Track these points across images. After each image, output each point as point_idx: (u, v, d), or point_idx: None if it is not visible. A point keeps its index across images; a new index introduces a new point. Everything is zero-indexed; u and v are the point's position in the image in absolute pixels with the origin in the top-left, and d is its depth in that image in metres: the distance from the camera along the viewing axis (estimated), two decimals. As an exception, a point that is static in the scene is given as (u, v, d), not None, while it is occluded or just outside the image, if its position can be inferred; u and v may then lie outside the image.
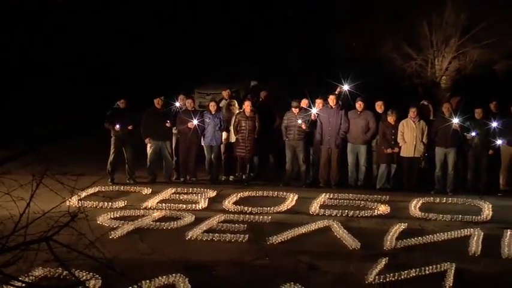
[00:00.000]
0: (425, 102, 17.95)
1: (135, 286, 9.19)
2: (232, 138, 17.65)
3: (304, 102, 17.28)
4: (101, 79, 26.81)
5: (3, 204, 5.99)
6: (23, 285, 5.71)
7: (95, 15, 34.04)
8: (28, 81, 25.99)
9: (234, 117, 17.55)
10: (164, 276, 10.43)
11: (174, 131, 17.39)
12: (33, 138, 17.95)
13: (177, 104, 17.54)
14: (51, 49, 28.93)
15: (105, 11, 33.30)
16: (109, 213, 14.40)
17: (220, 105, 18.01)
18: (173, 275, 10.53)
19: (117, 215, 14.35)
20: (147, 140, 17.33)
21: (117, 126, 16.70)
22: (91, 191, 15.74)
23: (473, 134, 16.40)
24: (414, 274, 10.99)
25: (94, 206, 14.95)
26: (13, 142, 15.57)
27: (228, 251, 12.34)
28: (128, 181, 17.24)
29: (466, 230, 13.59)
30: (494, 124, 16.99)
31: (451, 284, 10.64)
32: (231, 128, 17.95)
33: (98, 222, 13.59)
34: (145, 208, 15.07)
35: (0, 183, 6.06)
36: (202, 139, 17.29)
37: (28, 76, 26.28)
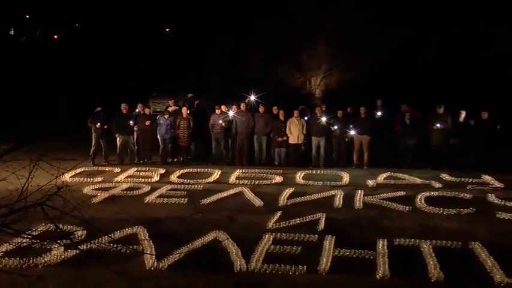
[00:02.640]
0: (304, 107, 17.78)
1: (109, 235, 10.00)
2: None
3: (224, 108, 18.02)
4: (82, 91, 26.32)
5: (12, 180, 5.90)
6: (28, 237, 5.66)
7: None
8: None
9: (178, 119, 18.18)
10: (129, 228, 11.07)
11: (136, 128, 18.11)
12: (32, 135, 17.70)
13: (137, 109, 18.53)
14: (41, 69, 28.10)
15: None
16: (91, 185, 15.18)
17: (170, 109, 18.87)
18: (136, 227, 11.15)
19: (97, 187, 15.06)
20: (117, 135, 18.15)
21: (98, 125, 17.67)
22: (78, 170, 16.57)
23: (336, 127, 17.83)
24: (299, 221, 11.86)
25: (80, 181, 15.72)
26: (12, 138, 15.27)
27: (173, 210, 13.07)
28: (104, 163, 17.92)
29: (332, 191, 14.57)
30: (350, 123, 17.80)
31: (322, 227, 11.46)
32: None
33: (83, 192, 14.38)
34: (116, 182, 15.70)
35: (9, 165, 5.96)
36: (158, 133, 18.15)
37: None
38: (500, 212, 12.58)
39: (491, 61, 24.85)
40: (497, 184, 15.30)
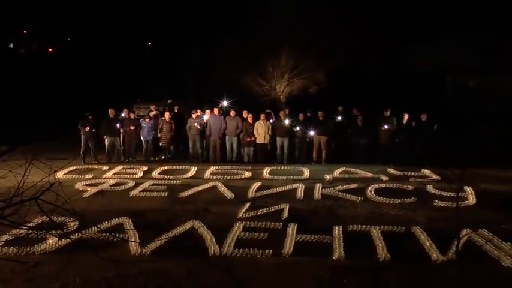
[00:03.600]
0: (270, 111, 18.07)
1: (98, 226, 10.03)
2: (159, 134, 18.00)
3: (199, 112, 18.07)
4: (73, 98, 26.07)
5: (9, 178, 5.78)
6: (25, 228, 5.58)
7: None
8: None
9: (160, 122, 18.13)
10: (116, 219, 10.95)
11: (122, 130, 17.99)
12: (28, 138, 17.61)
13: (123, 114, 18.32)
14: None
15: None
16: (82, 181, 14.97)
17: (151, 114, 18.64)
18: (122, 217, 11.03)
19: (87, 183, 14.80)
20: (105, 137, 18.02)
21: (87, 128, 17.41)
22: (71, 168, 16.49)
23: (297, 129, 17.80)
24: (266, 211, 11.84)
25: (73, 177, 15.52)
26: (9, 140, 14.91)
27: (155, 202, 12.94)
28: (93, 162, 17.67)
29: (294, 184, 14.56)
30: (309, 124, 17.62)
31: (286, 216, 11.46)
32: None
33: (75, 187, 14.19)
34: (104, 178, 15.48)
35: (7, 164, 5.86)
36: (141, 135, 17.97)
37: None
38: (437, 201, 12.74)
39: (429, 72, 25.48)
40: (435, 177, 15.45)
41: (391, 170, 16.37)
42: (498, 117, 20.83)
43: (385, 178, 15.37)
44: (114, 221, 10.72)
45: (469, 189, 13.46)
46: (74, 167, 16.50)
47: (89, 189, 13.88)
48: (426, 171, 16.09)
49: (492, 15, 22.95)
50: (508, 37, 22.65)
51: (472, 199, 12.99)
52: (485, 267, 8.65)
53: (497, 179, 15.41)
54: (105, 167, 16.77)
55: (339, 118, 18.34)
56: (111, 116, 17.74)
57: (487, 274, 8.37)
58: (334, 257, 8.96)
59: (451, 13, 23.61)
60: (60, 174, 15.09)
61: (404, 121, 17.69)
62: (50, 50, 40.54)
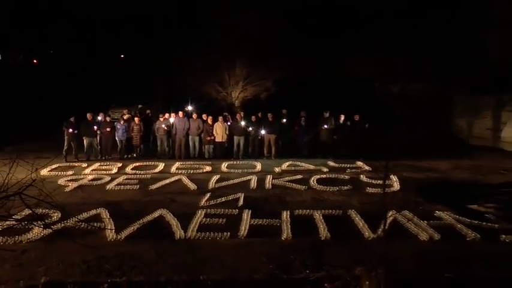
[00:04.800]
0: (226, 114, 18.04)
1: (77, 217, 9.96)
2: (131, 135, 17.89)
3: (166, 115, 17.75)
4: (56, 103, 25.52)
5: (-5, 176, 5.61)
6: (12, 219, 5.41)
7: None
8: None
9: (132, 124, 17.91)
10: (94, 210, 10.82)
11: (99, 132, 17.52)
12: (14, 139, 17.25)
13: (99, 117, 17.95)
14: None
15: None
16: (64, 177, 14.59)
17: (124, 117, 18.15)
18: (99, 208, 10.90)
19: (68, 179, 14.44)
20: (84, 137, 17.46)
21: (70, 130, 17.03)
22: (54, 166, 16.06)
23: (251, 128, 17.90)
24: (224, 200, 11.83)
25: (56, 174, 15.09)
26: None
27: (128, 194, 12.71)
28: (74, 160, 17.20)
29: (249, 176, 14.53)
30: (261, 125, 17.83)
31: (241, 203, 11.48)
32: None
33: (58, 183, 13.87)
34: (83, 174, 15.11)
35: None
36: (116, 136, 17.64)
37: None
38: (368, 188, 12.99)
39: (361, 79, 26.08)
40: (367, 167, 15.68)
41: (331, 163, 16.49)
42: (414, 118, 21.46)
43: (325, 169, 15.47)
44: (92, 212, 10.56)
45: (394, 178, 13.70)
46: (57, 165, 16.07)
47: (70, 184, 13.54)
48: (360, 163, 16.24)
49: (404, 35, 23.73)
50: (416, 50, 23.51)
51: (396, 186, 13.26)
52: (407, 241, 8.93)
53: (416, 168, 15.83)
54: (84, 164, 16.38)
55: (284, 120, 18.32)
56: (89, 119, 17.35)
57: (408, 247, 8.62)
58: (282, 237, 9.02)
59: (378, 30, 24.16)
60: (44, 171, 14.90)
61: (341, 121, 17.85)
62: (35, 61, 39.71)
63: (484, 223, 9.94)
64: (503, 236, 9.16)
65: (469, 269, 7.70)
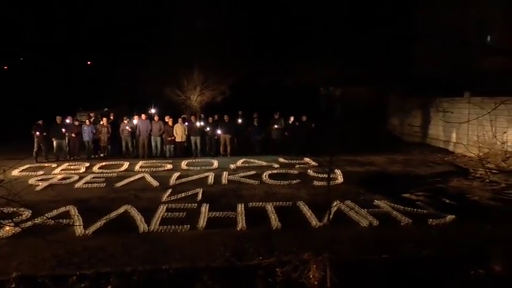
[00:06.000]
0: (185, 116, 18.53)
1: (47, 215, 9.72)
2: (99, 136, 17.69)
3: (133, 118, 17.75)
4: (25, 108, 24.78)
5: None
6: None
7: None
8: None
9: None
10: (63, 207, 10.57)
11: (67, 134, 17.22)
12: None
13: (67, 120, 17.63)
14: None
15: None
16: (35, 177, 14.23)
17: (91, 120, 17.82)
18: (68, 206, 10.66)
19: (39, 178, 14.09)
20: (53, 139, 17.15)
21: (38, 133, 16.72)
22: (25, 166, 15.63)
23: (208, 129, 18.00)
24: (184, 195, 11.69)
25: (27, 174, 14.68)
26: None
27: (95, 192, 12.49)
28: (44, 160, 16.73)
29: (206, 173, 14.50)
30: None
31: (200, 198, 11.36)
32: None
33: (29, 182, 13.43)
34: (53, 174, 14.79)
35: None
36: (83, 137, 17.40)
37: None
38: (315, 181, 13.21)
39: (307, 84, 26.53)
40: (313, 163, 15.92)
41: (281, 159, 16.59)
42: (354, 118, 22.05)
43: (276, 165, 15.55)
44: (62, 209, 10.32)
45: (338, 171, 13.93)
46: (28, 165, 15.60)
47: (40, 183, 13.20)
48: (307, 159, 16.42)
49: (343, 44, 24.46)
50: (357, 59, 24.25)
51: (340, 179, 13.46)
52: (349, 228, 9.10)
53: (357, 163, 16.21)
54: (54, 165, 16.00)
55: (239, 121, 18.42)
56: (58, 122, 16.99)
57: (351, 233, 8.78)
58: (238, 228, 9.04)
59: (324, 41, 24.72)
60: (15, 172, 14.51)
61: (290, 121, 18.11)
62: (5, 67, 38.39)
63: (415, 209, 10.25)
64: (430, 219, 9.53)
65: (402, 250, 8.01)
